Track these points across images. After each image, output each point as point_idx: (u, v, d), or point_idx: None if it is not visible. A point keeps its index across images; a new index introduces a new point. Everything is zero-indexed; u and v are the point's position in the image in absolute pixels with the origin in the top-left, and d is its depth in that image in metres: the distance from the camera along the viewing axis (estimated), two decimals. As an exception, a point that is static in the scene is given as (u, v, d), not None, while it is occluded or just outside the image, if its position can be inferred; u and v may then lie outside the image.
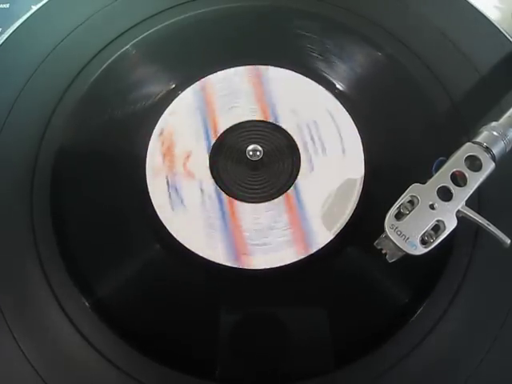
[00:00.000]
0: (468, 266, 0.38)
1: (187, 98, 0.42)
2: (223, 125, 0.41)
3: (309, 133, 0.41)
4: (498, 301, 0.37)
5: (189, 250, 0.37)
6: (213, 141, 0.40)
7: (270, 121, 0.41)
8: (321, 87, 0.42)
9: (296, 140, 0.40)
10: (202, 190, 0.39)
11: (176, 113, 0.42)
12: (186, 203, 0.39)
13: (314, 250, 0.37)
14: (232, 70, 0.43)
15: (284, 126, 0.41)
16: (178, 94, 0.42)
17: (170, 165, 0.40)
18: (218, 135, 0.41)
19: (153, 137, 0.41)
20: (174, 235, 0.37)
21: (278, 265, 0.37)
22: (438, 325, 0.36)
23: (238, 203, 0.39)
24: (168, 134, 0.41)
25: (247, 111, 0.41)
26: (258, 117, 0.41)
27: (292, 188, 0.39)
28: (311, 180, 0.39)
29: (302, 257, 0.37)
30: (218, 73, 0.43)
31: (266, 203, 0.39)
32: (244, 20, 0.46)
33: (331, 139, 0.41)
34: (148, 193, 0.39)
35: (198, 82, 0.42)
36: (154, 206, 0.38)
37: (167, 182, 0.39)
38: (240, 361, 0.36)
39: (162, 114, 0.41)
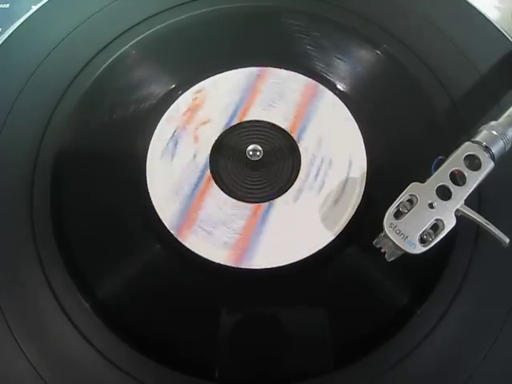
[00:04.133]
0: (468, 266, 0.37)
1: (240, 76, 0.43)
2: (252, 114, 0.42)
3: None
4: (498, 301, 0.37)
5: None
6: (235, 122, 0.41)
7: (293, 136, 0.41)
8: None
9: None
10: (194, 156, 0.40)
11: (224, 82, 0.43)
12: (175, 159, 0.40)
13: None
14: (293, 73, 0.43)
15: (285, 127, 0.41)
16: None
17: (187, 120, 0.41)
18: (242, 120, 0.41)
19: (189, 92, 0.42)
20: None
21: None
22: (439, 325, 0.36)
23: (213, 184, 0.39)
24: (203, 95, 0.42)
25: (279, 116, 0.42)
26: (284, 126, 0.41)
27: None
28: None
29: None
30: (280, 69, 0.43)
31: (236, 202, 0.39)
32: (244, 20, 0.46)
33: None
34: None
35: (259, 68, 0.43)
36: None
37: (173, 133, 0.41)
38: (240, 361, 0.36)
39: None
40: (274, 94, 0.42)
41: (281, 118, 0.41)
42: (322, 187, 0.39)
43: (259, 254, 0.37)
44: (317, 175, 0.40)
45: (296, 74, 0.43)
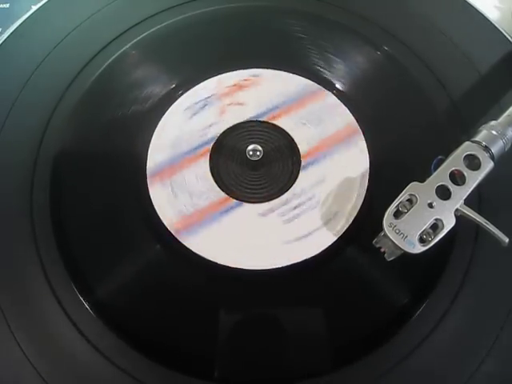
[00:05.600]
0: (468, 266, 0.37)
1: (298, 82, 0.43)
2: (282, 121, 0.42)
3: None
4: (498, 301, 0.37)
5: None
6: (262, 119, 0.42)
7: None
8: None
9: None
10: (210, 125, 0.41)
11: (280, 79, 0.43)
12: (194, 118, 0.41)
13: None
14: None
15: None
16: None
17: (227, 93, 0.42)
18: (269, 121, 0.42)
19: (246, 71, 0.43)
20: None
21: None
22: (439, 325, 0.36)
23: (207, 156, 0.40)
24: (255, 81, 0.43)
25: (302, 138, 0.41)
26: (301, 149, 0.41)
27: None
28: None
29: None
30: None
31: (213, 184, 0.39)
32: (244, 20, 0.46)
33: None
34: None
35: (318, 86, 0.43)
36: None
37: (208, 97, 0.42)
38: (240, 361, 0.36)
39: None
40: (313, 117, 0.42)
41: (303, 140, 0.41)
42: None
43: (199, 239, 0.38)
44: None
45: (344, 107, 0.43)
